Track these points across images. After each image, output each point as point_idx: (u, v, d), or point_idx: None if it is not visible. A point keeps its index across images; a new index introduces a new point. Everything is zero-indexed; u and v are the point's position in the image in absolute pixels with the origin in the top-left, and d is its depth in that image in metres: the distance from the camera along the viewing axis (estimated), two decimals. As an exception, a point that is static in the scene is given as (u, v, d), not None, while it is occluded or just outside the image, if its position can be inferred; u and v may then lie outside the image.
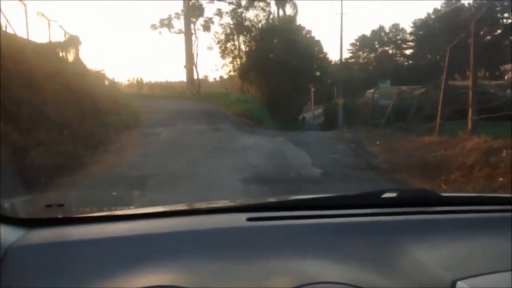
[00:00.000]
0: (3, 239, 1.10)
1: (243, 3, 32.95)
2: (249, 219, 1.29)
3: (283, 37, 27.45)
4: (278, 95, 26.74)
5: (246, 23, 32.69)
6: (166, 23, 34.63)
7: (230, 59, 34.48)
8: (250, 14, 32.89)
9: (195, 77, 32.84)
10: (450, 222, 1.36)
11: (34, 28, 14.62)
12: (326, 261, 1.12)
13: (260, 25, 32.40)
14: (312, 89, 38.75)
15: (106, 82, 20.98)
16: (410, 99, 21.70)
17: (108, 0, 70.46)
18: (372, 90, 28.81)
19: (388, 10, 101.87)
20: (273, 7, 35.07)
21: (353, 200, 1.48)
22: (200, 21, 34.12)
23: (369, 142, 12.58)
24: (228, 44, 34.11)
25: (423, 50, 53.28)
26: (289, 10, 33.13)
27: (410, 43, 57.84)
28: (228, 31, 33.89)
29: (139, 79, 37.59)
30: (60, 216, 1.37)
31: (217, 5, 36.44)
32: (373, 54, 60.05)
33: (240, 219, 1.30)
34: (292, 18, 32.98)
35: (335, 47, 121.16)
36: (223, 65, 36.04)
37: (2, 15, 12.15)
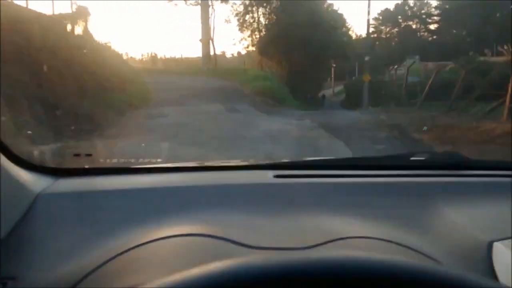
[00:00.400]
0: (32, 187, 1.13)
1: (263, -27, 31.39)
2: (276, 176, 1.31)
3: (305, 9, 25.81)
4: (299, 72, 25.58)
5: (266, -6, 31.26)
6: (183, -6, 33.22)
7: (249, 32, 32.88)
8: (271, -16, 31.40)
9: (212, 52, 31.59)
10: (482, 185, 1.34)
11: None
12: (355, 219, 1.09)
13: (280, -4, 30.99)
14: (333, 65, 36.98)
15: (115, 57, 19.52)
16: (441, 75, 19.78)
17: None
18: (396, 66, 27.68)
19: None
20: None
21: (382, 161, 1.50)
22: (218, -9, 32.71)
23: (413, 128, 10.75)
24: (247, 17, 32.44)
25: (449, 25, 51.34)
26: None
27: (435, 18, 55.67)
28: (247, 2, 32.14)
29: (153, 54, 36.39)
30: (87, 167, 1.40)
31: (236, -26, 34.62)
32: (396, 29, 57.98)
33: (267, 176, 1.32)
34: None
35: (357, 21, 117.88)
36: (241, 39, 35.00)
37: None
